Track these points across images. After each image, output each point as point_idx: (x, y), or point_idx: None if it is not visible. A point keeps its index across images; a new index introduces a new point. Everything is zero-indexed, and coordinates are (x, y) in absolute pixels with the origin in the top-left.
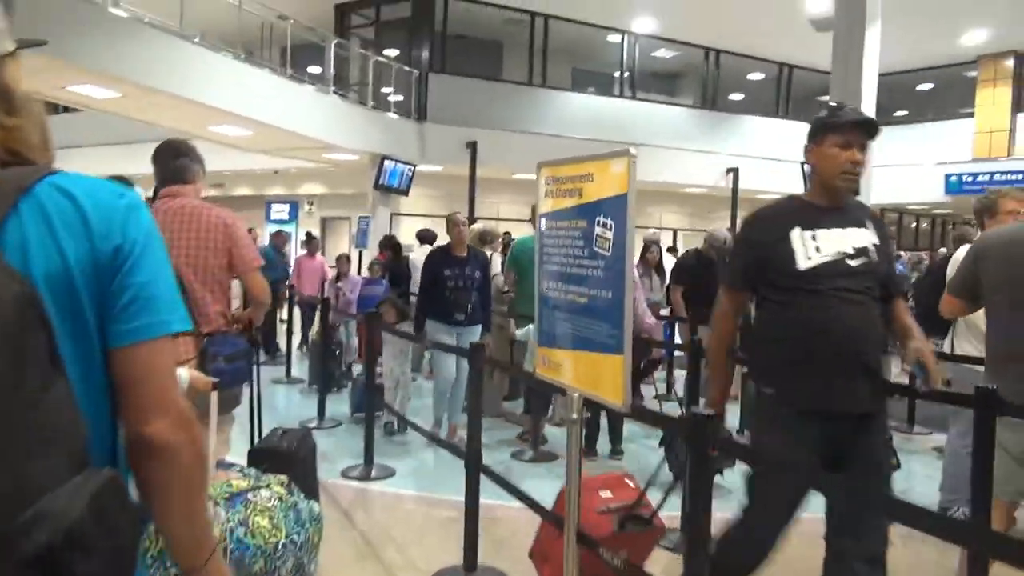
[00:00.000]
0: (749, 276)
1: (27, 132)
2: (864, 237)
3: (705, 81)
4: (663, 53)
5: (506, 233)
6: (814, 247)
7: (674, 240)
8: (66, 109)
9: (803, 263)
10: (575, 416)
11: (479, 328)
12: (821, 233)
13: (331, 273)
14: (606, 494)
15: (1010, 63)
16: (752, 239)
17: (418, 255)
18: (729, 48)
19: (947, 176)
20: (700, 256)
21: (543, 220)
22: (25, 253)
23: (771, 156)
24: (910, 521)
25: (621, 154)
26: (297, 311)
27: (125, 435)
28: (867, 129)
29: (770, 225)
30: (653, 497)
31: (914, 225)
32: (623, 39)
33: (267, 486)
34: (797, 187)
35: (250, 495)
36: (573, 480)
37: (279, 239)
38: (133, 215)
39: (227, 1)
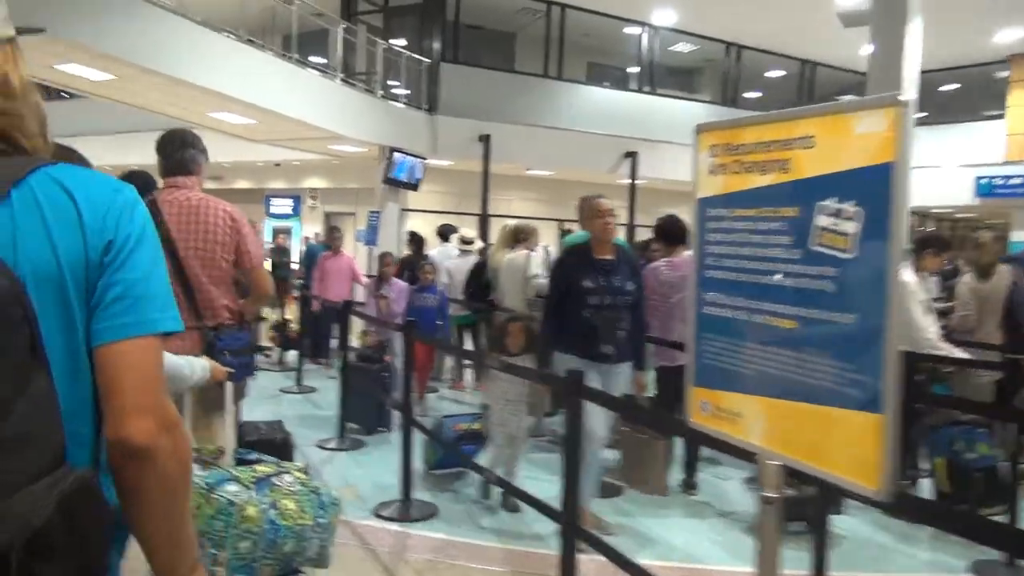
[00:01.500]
0: None
1: (26, 120)
2: None
3: (725, 77)
4: (682, 47)
5: (566, 231)
6: None
7: None
8: (59, 95)
9: None
10: (772, 494)
11: (627, 366)
12: None
13: (363, 275)
14: None
15: None
16: None
17: (439, 253)
18: (751, 43)
19: (978, 179)
20: None
21: (704, 207)
22: (15, 244)
23: None
24: None
25: (881, 103)
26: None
27: (105, 436)
28: None
29: None
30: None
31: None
32: (641, 32)
33: (288, 472)
34: None
35: (274, 479)
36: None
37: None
38: (128, 210)
39: None
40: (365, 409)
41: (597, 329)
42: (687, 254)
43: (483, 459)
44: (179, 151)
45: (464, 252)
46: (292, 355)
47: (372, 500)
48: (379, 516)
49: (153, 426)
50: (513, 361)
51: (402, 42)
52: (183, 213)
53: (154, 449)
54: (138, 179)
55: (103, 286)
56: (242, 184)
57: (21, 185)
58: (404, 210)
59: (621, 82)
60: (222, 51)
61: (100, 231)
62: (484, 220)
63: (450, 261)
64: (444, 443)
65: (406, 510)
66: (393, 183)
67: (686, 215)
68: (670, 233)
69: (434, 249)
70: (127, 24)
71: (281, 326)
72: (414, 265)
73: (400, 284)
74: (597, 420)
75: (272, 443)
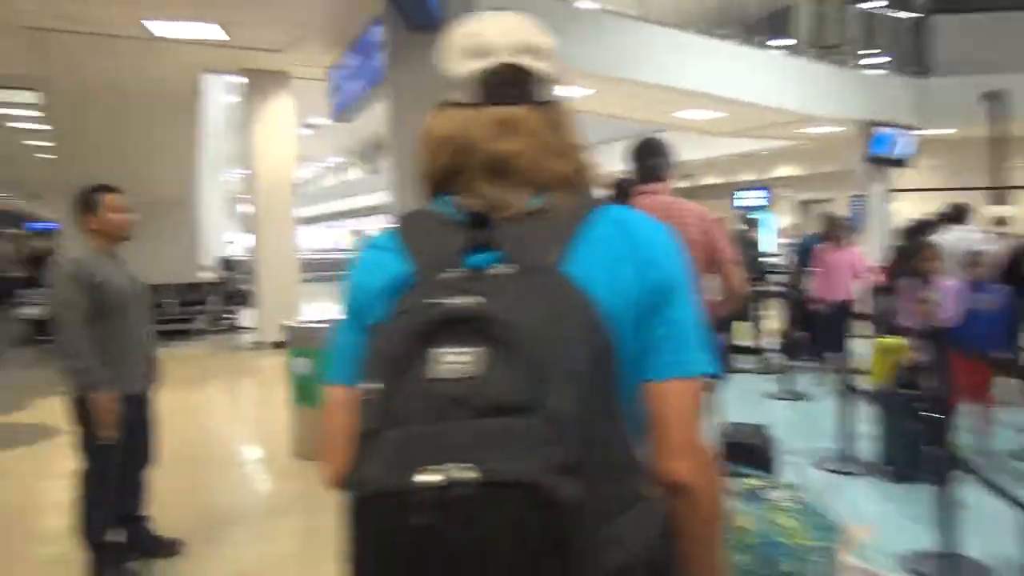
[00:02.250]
0: None
1: (588, 168)
2: None
3: None
4: None
5: None
6: None
7: None
8: None
9: None
10: None
11: None
12: None
13: (869, 270)
14: None
15: None
16: None
17: (955, 239)
18: None
19: None
20: None
21: None
22: (588, 280)
23: None
24: None
25: None
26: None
27: (652, 470)
28: None
29: None
30: None
31: None
32: None
33: (777, 487)
34: None
35: (763, 493)
36: None
37: None
38: (674, 252)
39: None
40: (898, 443)
41: None
42: None
43: None
44: (650, 159)
45: (997, 235)
46: (775, 357)
47: (894, 546)
48: (911, 571)
49: (693, 465)
50: None
51: (882, 2)
52: (659, 216)
53: (692, 487)
54: (626, 185)
55: (652, 324)
56: (710, 180)
57: (588, 223)
58: (891, 191)
59: None
60: (684, 48)
61: (654, 270)
62: (998, 195)
63: (976, 247)
64: None
65: (949, 571)
66: (877, 161)
67: None
68: None
69: (946, 234)
70: (597, 38)
71: (788, 326)
72: (912, 255)
73: (950, 283)
74: None
75: (751, 448)
